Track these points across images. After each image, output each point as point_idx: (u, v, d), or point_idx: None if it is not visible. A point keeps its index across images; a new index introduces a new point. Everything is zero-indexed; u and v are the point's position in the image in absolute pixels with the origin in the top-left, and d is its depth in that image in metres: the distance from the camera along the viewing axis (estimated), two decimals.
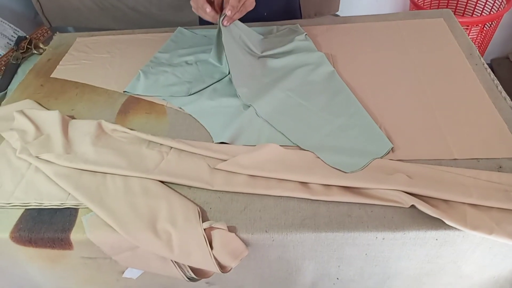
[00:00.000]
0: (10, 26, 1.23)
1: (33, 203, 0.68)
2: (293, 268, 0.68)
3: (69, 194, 0.68)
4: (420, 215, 0.61)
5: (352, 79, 0.89)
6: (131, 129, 0.79)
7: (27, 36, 1.20)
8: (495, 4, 1.88)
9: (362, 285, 0.72)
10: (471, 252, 0.62)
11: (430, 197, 0.62)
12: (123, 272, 0.71)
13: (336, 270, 0.68)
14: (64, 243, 0.65)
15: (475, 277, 0.68)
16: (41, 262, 0.70)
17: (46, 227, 0.65)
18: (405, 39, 1.00)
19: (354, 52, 0.98)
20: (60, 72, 1.03)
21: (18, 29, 1.24)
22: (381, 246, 0.62)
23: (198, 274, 0.65)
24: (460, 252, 0.63)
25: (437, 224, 0.59)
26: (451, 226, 0.58)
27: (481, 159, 0.69)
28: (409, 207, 0.62)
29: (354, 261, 0.66)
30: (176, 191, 0.68)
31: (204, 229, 0.61)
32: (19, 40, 1.18)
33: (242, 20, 0.91)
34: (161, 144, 0.76)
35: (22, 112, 0.83)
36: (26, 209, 0.68)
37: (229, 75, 0.89)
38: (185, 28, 1.12)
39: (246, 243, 0.62)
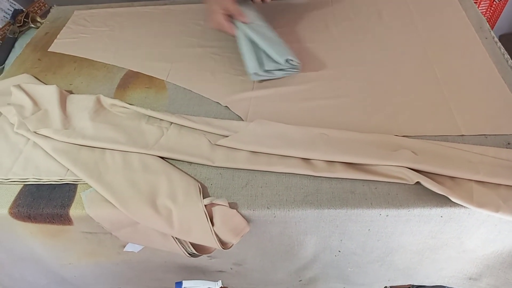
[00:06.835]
0: None
1: (32, 179, 0.67)
2: (295, 242, 0.68)
3: (68, 169, 0.67)
4: (425, 192, 0.59)
5: (359, 53, 0.87)
6: (130, 104, 0.78)
7: (24, 9, 1.17)
8: None
9: (363, 258, 0.72)
10: (476, 229, 0.61)
11: (435, 174, 0.61)
12: (124, 246, 0.70)
13: (338, 243, 0.67)
14: (63, 219, 0.64)
15: (478, 251, 0.67)
16: (41, 237, 0.69)
17: (45, 203, 0.65)
18: (412, 12, 0.96)
19: (360, 26, 0.95)
20: (57, 46, 1.01)
21: (14, 2, 1.20)
22: (385, 223, 0.61)
23: (199, 250, 0.65)
24: (465, 228, 0.62)
25: (443, 201, 0.58)
26: (457, 203, 0.57)
27: (489, 135, 0.67)
28: (414, 184, 0.60)
29: (356, 236, 0.65)
30: (176, 167, 0.67)
31: (205, 205, 0.60)
32: (16, 13, 1.15)
33: None
34: (161, 120, 0.75)
35: (19, 87, 0.81)
36: (24, 185, 0.68)
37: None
38: None
39: (247, 220, 0.61)
